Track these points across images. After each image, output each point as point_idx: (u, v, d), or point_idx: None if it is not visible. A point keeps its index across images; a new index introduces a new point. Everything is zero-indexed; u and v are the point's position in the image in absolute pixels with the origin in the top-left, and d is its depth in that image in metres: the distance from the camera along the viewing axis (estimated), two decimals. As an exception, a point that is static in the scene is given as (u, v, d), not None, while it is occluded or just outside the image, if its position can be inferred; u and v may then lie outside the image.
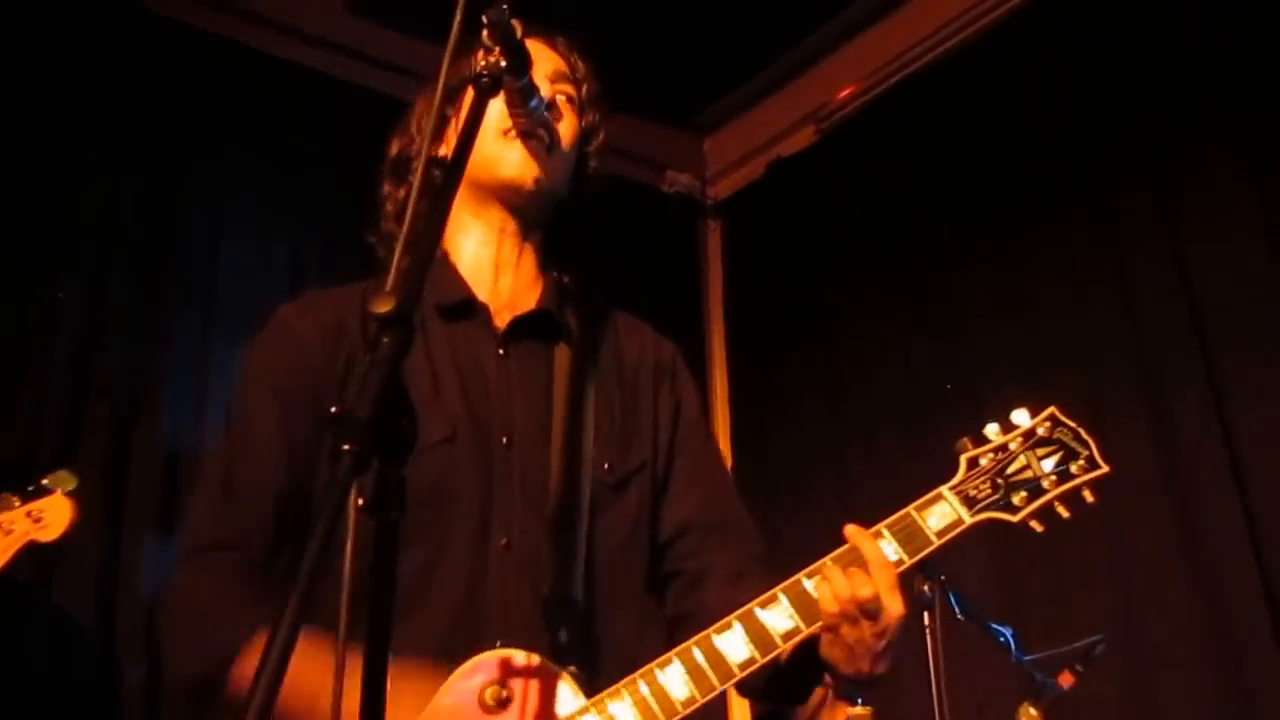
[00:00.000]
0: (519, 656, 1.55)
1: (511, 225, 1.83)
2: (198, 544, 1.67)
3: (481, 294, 1.80)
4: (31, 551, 2.54)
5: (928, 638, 2.96)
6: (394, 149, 1.90)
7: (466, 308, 1.78)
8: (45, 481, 2.51)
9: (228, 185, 3.92)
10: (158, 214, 3.76)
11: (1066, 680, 3.04)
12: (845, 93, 4.71)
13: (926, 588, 2.64)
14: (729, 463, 4.60)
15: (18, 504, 2.47)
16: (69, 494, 2.50)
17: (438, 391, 1.69)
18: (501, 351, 1.77)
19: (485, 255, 1.82)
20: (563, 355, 1.80)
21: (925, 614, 2.96)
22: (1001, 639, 3.07)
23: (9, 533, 2.46)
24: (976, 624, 3.05)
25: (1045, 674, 3.03)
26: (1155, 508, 3.34)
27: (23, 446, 3.27)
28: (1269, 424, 3.14)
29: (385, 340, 1.09)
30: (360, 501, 1.06)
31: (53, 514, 2.47)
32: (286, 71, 4.07)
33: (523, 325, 1.79)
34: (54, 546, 2.59)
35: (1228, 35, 3.43)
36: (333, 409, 1.05)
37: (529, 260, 1.86)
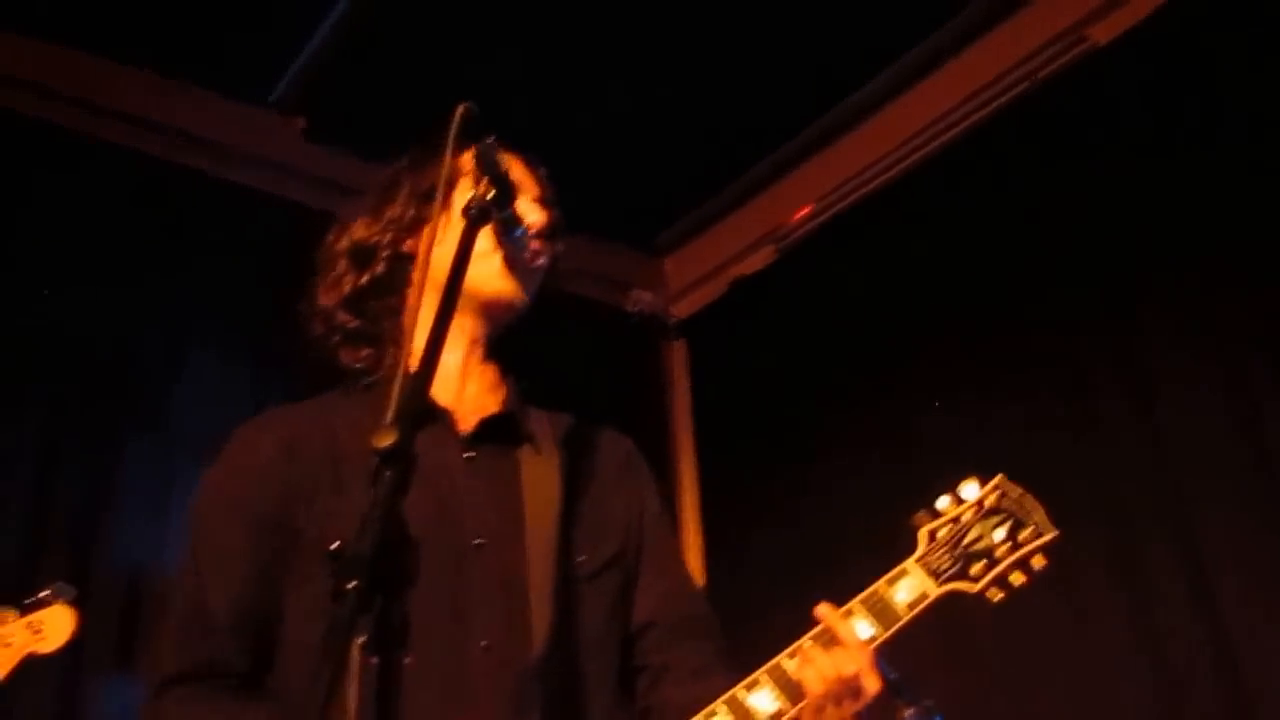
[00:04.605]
0: None
1: (483, 334, 1.86)
2: (167, 675, 1.63)
3: (445, 399, 1.80)
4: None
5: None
6: (359, 232, 1.89)
7: (429, 414, 1.76)
8: (44, 594, 2.51)
9: (187, 308, 3.93)
10: (116, 338, 3.78)
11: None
12: (803, 212, 4.81)
13: (910, 713, 2.59)
14: (700, 577, 4.55)
15: (15, 617, 2.47)
16: (71, 604, 2.45)
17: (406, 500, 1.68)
18: (467, 455, 1.75)
19: (452, 361, 1.83)
20: (528, 455, 1.81)
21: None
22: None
23: (8, 645, 2.46)
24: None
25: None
26: (1120, 616, 3.32)
27: None
28: (1232, 544, 3.13)
29: (388, 475, 1.12)
30: (362, 641, 1.06)
31: (52, 625, 2.49)
32: (244, 196, 4.13)
33: (488, 429, 1.79)
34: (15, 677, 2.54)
35: (1195, 164, 3.48)
36: (333, 546, 1.06)
37: (492, 367, 1.88)
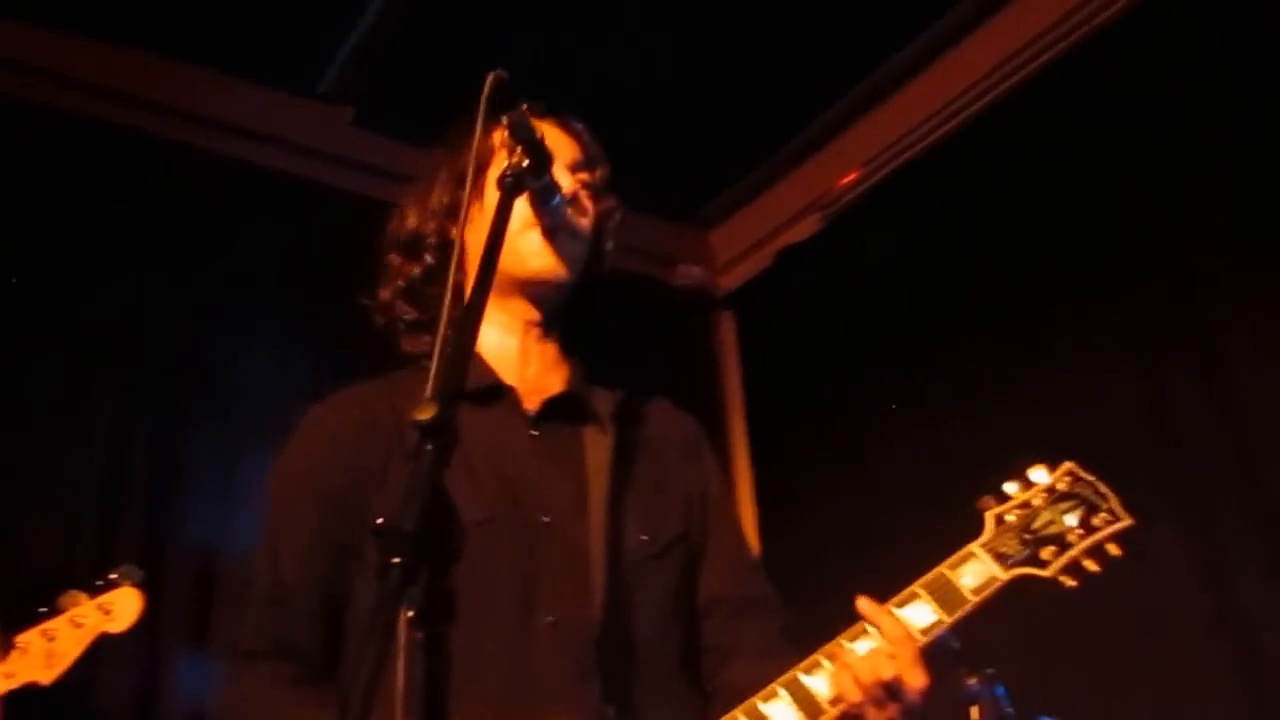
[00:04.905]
0: None
1: (535, 316, 1.87)
2: (245, 651, 1.67)
3: (508, 378, 1.81)
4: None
5: (977, 734, 2.91)
6: (410, 222, 1.91)
7: (495, 392, 1.79)
8: (112, 575, 2.60)
9: (245, 298, 4.05)
10: (179, 328, 3.91)
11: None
12: (849, 178, 4.76)
13: (973, 681, 2.60)
14: (754, 550, 4.54)
15: (87, 599, 2.56)
16: (137, 585, 2.54)
17: (473, 476, 1.69)
18: (533, 433, 1.77)
19: (510, 343, 1.85)
20: (592, 434, 1.82)
21: (974, 709, 2.92)
22: (1052, 734, 3.00)
23: (80, 626, 2.55)
24: (1024, 718, 2.99)
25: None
26: (1195, 598, 3.26)
27: (60, 559, 3.38)
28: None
29: (428, 449, 1.10)
30: (410, 614, 1.05)
31: (122, 606, 2.58)
32: (296, 186, 4.21)
33: (552, 408, 1.80)
34: (97, 648, 2.64)
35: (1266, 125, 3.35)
36: (378, 521, 1.05)
37: (552, 346, 1.89)
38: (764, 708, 1.57)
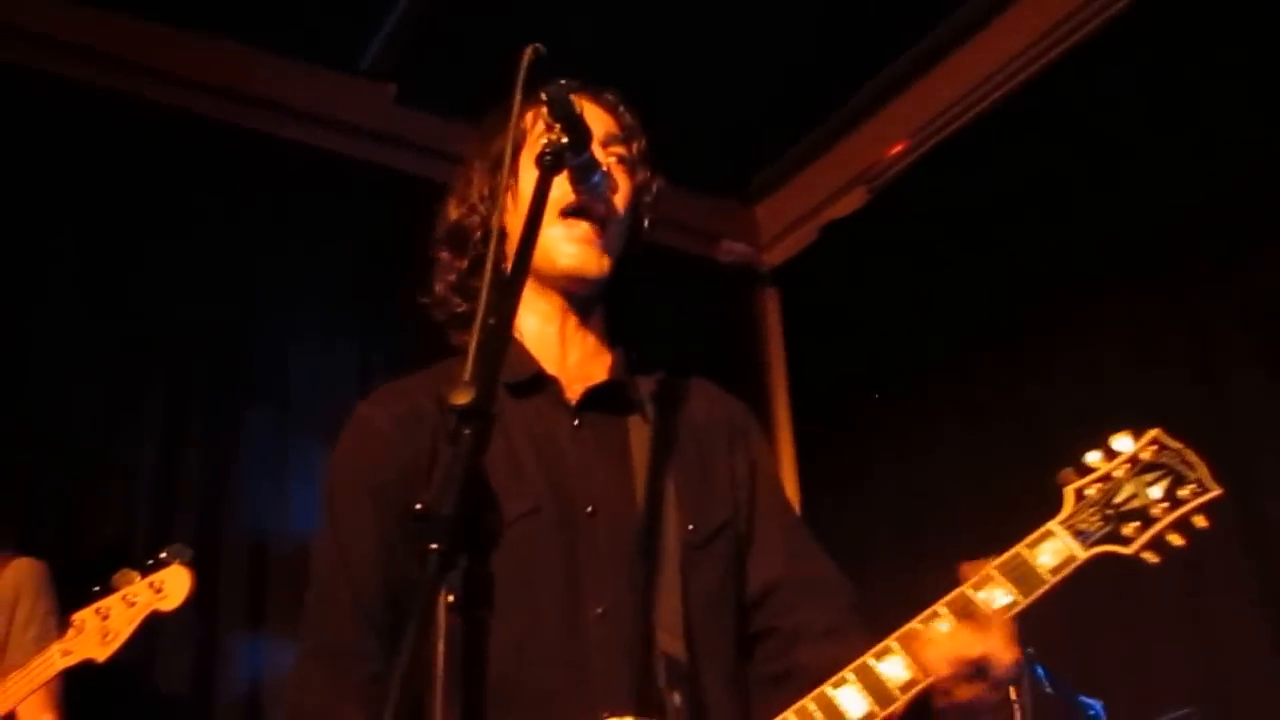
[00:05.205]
0: None
1: (573, 306, 1.84)
2: (307, 649, 1.68)
3: (550, 368, 1.80)
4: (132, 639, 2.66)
5: (1016, 713, 2.88)
6: (452, 214, 1.90)
7: (537, 383, 1.78)
8: (163, 555, 2.64)
9: (295, 284, 4.09)
10: (229, 318, 3.97)
11: (1162, 753, 2.92)
12: (894, 151, 4.70)
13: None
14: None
15: (139, 578, 2.60)
16: (186, 564, 2.59)
17: (517, 467, 1.68)
18: (576, 423, 1.76)
19: (550, 332, 1.82)
20: (636, 423, 1.79)
21: (1012, 688, 2.89)
22: (1091, 712, 2.97)
23: (133, 604, 2.59)
24: (1064, 698, 2.96)
25: (1139, 748, 2.92)
26: (1237, 572, 3.22)
27: (119, 538, 3.48)
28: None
29: (466, 434, 1.09)
30: (450, 600, 1.05)
31: (173, 584, 2.60)
32: (341, 167, 4.21)
33: (595, 397, 1.79)
34: (154, 624, 2.70)
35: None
36: (416, 507, 1.05)
37: (593, 334, 1.86)
38: (833, 694, 1.54)
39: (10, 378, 3.49)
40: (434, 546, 1.02)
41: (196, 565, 3.33)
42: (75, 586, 2.74)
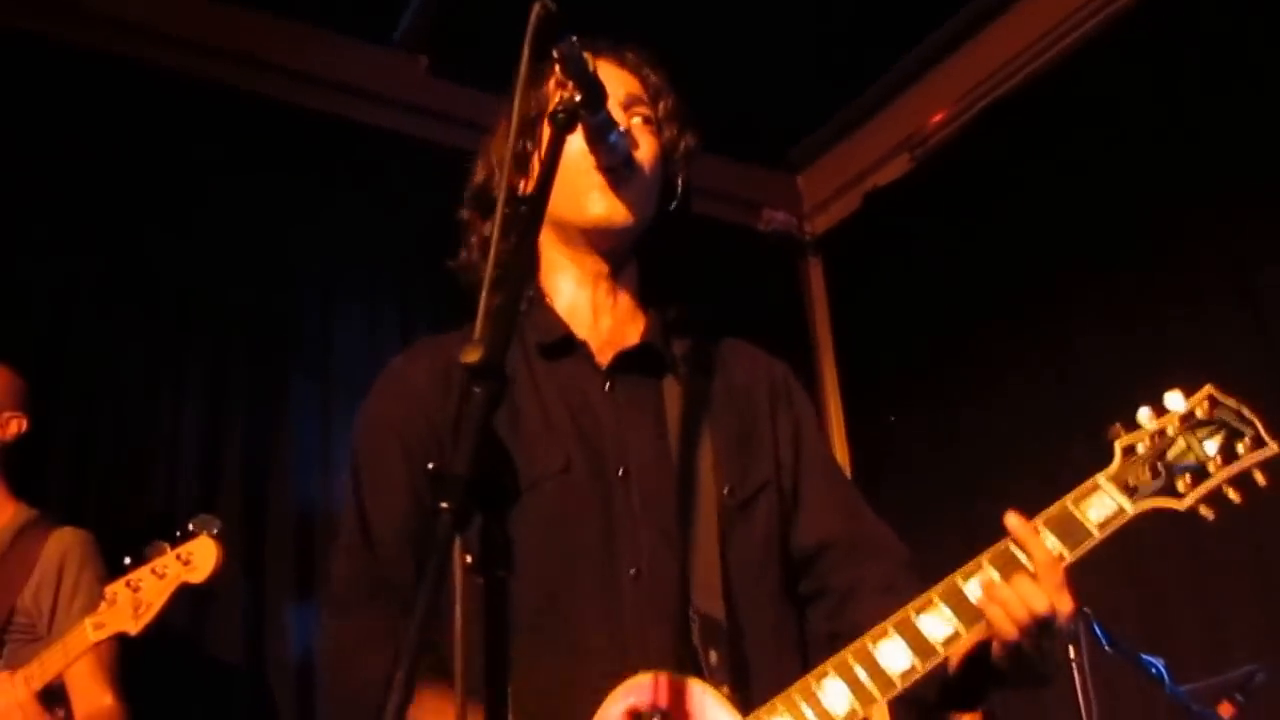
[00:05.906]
0: (672, 679, 1.51)
1: (604, 267, 1.81)
2: (340, 600, 1.68)
3: (581, 332, 1.78)
4: (182, 605, 2.67)
5: (1075, 673, 2.83)
6: (478, 177, 1.89)
7: (567, 345, 1.76)
8: (190, 526, 2.61)
9: (334, 255, 4.12)
10: (271, 288, 4.00)
11: (1226, 711, 2.86)
12: (938, 118, 4.63)
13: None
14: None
15: (168, 550, 2.59)
16: (214, 536, 2.59)
17: (549, 425, 1.68)
18: (608, 386, 1.75)
19: (582, 296, 1.81)
20: (671, 386, 1.78)
21: (1071, 648, 2.84)
22: (1153, 671, 2.91)
23: (162, 576, 2.57)
24: (1125, 657, 2.90)
25: (1203, 705, 2.86)
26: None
27: (164, 507, 3.53)
28: None
29: (477, 391, 1.07)
30: (468, 560, 1.03)
31: (200, 556, 2.57)
32: (378, 139, 4.23)
33: (627, 360, 1.77)
34: (204, 593, 2.71)
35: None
36: (430, 466, 1.03)
37: (626, 295, 1.83)
38: (874, 648, 1.53)
39: (54, 350, 3.53)
40: (445, 505, 1.00)
41: (242, 535, 3.36)
42: (122, 557, 2.76)
